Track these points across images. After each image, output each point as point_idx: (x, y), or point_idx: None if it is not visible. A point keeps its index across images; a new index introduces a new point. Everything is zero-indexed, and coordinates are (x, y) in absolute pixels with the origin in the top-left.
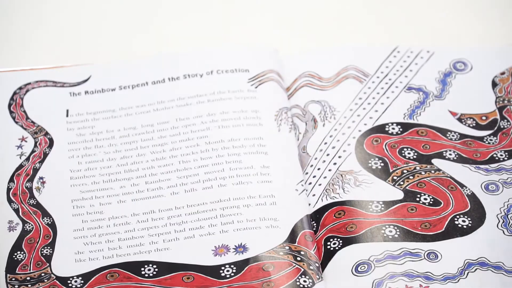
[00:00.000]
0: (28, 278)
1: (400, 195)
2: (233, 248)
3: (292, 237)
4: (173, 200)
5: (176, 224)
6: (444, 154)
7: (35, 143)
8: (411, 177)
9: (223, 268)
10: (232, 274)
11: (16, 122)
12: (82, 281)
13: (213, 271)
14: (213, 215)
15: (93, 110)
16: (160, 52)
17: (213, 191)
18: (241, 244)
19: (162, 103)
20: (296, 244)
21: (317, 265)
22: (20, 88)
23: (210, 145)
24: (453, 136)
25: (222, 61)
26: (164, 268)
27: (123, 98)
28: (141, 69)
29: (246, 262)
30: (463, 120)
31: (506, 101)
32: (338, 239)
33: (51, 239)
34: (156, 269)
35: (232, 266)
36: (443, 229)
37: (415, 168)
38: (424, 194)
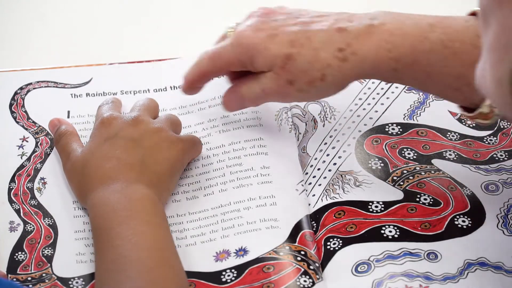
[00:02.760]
0: (29, 279)
1: (400, 195)
2: (234, 252)
3: (292, 237)
4: (175, 207)
5: (178, 231)
6: (444, 155)
7: (36, 143)
8: (411, 178)
9: (224, 273)
10: (233, 278)
11: (17, 122)
12: (83, 282)
13: (214, 277)
14: (214, 221)
15: (95, 113)
16: (161, 58)
17: (214, 197)
18: (241, 247)
19: (164, 111)
20: (296, 244)
21: (317, 265)
22: (21, 88)
23: (211, 151)
24: (453, 136)
25: None
26: None
27: (124, 104)
28: (143, 75)
29: (246, 265)
30: (463, 121)
31: None
32: (338, 239)
33: (52, 240)
34: None
35: (233, 270)
36: (443, 229)
37: (415, 169)
38: (424, 195)
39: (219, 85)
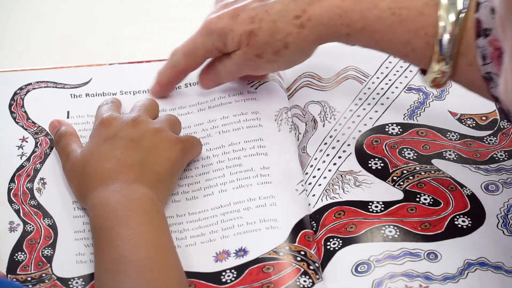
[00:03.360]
0: (29, 279)
1: (400, 195)
2: (234, 253)
3: (292, 237)
4: (175, 208)
5: (178, 231)
6: (444, 155)
7: (36, 143)
8: (411, 178)
9: (223, 273)
10: (233, 278)
11: (17, 123)
12: (83, 283)
13: (214, 277)
14: (214, 222)
15: (94, 113)
16: (161, 58)
17: (213, 197)
18: (241, 247)
19: (164, 111)
20: (296, 244)
21: (317, 265)
22: (20, 89)
23: (211, 151)
24: (453, 136)
25: None
26: None
27: (124, 104)
28: (143, 75)
29: (246, 265)
30: (463, 120)
31: None
32: (338, 239)
33: (52, 240)
34: None
35: (233, 270)
36: (443, 229)
37: (415, 169)
38: (424, 194)
39: (219, 86)
